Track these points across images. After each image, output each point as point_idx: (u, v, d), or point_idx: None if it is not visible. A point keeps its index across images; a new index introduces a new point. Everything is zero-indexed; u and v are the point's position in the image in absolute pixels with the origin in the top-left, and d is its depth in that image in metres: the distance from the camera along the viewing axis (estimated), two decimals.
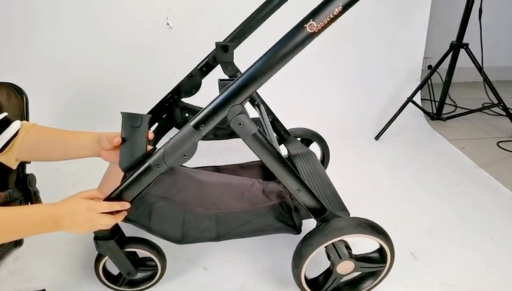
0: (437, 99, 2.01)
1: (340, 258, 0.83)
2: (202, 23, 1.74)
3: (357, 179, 1.51)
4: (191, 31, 1.76)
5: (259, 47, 1.06)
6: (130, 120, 0.72)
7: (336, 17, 0.61)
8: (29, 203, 1.14)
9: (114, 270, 0.94)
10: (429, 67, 2.49)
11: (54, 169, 1.52)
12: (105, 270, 0.94)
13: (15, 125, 0.79)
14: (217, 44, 0.99)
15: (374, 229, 0.82)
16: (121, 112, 0.72)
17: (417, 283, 1.01)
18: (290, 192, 0.79)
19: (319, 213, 0.83)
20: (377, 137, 1.83)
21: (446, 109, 2.07)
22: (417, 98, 1.98)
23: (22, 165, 1.07)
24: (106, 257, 0.90)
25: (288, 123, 1.29)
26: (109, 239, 0.84)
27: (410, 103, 1.84)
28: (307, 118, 1.70)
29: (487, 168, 1.58)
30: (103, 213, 0.73)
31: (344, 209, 0.90)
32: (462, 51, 1.75)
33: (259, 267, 1.05)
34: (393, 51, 2.02)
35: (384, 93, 2.05)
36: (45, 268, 1.05)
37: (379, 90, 2.05)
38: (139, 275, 0.96)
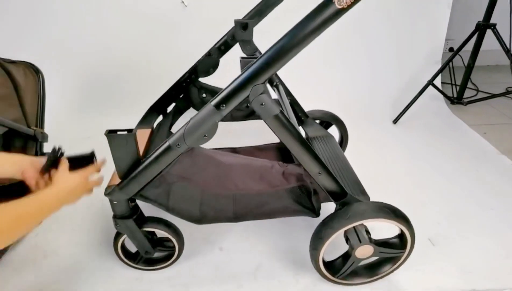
0: (457, 83, 1.94)
1: (360, 242, 0.83)
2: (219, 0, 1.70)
3: (374, 163, 1.48)
4: (207, 8, 1.72)
5: (279, 26, 1.04)
6: (116, 141, 0.72)
7: None
8: None
9: (132, 247, 0.95)
10: (450, 49, 2.41)
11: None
12: (123, 247, 0.96)
13: None
14: (236, 21, 0.97)
15: (395, 213, 0.81)
16: (106, 134, 0.71)
17: (435, 269, 1.00)
18: (311, 174, 0.78)
19: (339, 196, 0.82)
20: (395, 121, 1.80)
21: (467, 93, 2.01)
22: (437, 81, 1.92)
23: (40, 144, 1.08)
24: (124, 236, 0.91)
25: (306, 106, 1.27)
26: (127, 218, 0.85)
27: (429, 87, 1.79)
28: (323, 100, 1.66)
29: (510, 155, 1.54)
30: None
31: (364, 192, 0.89)
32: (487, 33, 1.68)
33: (274, 248, 1.06)
34: (414, 31, 1.95)
35: (403, 75, 1.99)
36: (64, 244, 1.08)
37: (398, 72, 1.99)
38: (156, 255, 0.98)
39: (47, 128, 1.09)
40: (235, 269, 1.00)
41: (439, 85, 1.95)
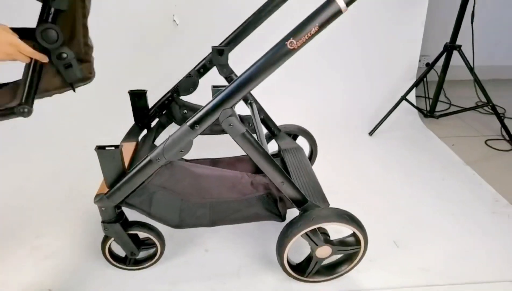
0: (432, 97, 2.11)
1: (316, 244, 0.97)
2: (208, 20, 1.84)
3: (349, 172, 1.64)
4: (197, 28, 1.85)
5: (252, 49, 1.18)
6: (104, 155, 0.88)
7: (313, 35, 0.73)
8: None
9: (121, 252, 1.09)
10: (427, 64, 2.58)
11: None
12: (112, 253, 1.09)
13: None
14: (213, 48, 1.12)
15: (349, 218, 0.96)
16: (95, 149, 0.86)
17: (398, 269, 1.15)
18: (275, 184, 0.93)
19: (301, 203, 0.97)
20: (371, 133, 1.95)
21: (441, 107, 2.18)
22: (412, 95, 2.09)
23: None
24: (111, 240, 1.04)
25: (284, 120, 1.43)
26: (115, 222, 0.99)
27: (405, 101, 1.95)
28: (303, 114, 1.82)
29: (474, 165, 1.70)
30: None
31: (324, 200, 1.04)
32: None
33: (255, 251, 1.20)
34: (390, 48, 2.12)
35: (380, 89, 2.16)
36: (64, 246, 1.20)
37: (376, 86, 2.16)
38: (142, 255, 1.11)
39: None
40: (220, 269, 1.14)
41: (414, 99, 2.12)
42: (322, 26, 0.73)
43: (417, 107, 2.05)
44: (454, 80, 2.33)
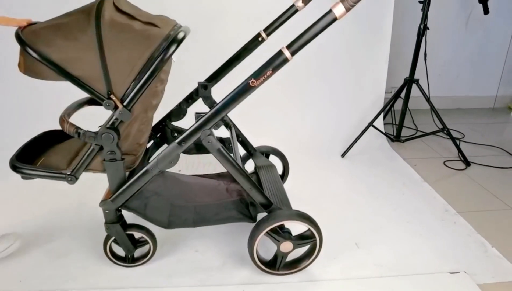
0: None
1: (278, 241, 1.22)
2: (196, 59, 2.16)
3: (320, 187, 1.92)
4: (186, 66, 2.17)
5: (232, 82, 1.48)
6: (111, 167, 1.12)
7: (268, 76, 1.03)
8: None
9: (121, 252, 1.33)
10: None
11: None
12: (113, 252, 1.32)
13: None
14: (199, 83, 1.42)
15: (304, 216, 1.22)
16: (103, 161, 1.10)
17: (357, 265, 1.40)
18: (246, 190, 1.19)
19: (266, 206, 1.23)
20: (343, 155, 2.24)
21: (409, 132, 2.49)
22: (380, 122, 2.41)
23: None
24: (111, 239, 1.28)
25: (268, 143, 1.72)
26: (115, 223, 1.24)
27: (372, 126, 2.26)
28: (283, 138, 2.11)
29: (431, 182, 1.98)
30: None
31: (288, 205, 1.30)
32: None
33: (237, 249, 1.44)
34: (360, 82, 2.48)
35: (353, 118, 2.48)
36: (73, 248, 1.44)
37: (349, 115, 2.49)
38: (138, 254, 1.35)
39: None
40: (207, 265, 1.37)
41: (382, 126, 2.43)
42: (274, 70, 1.03)
43: (384, 133, 2.35)
44: (422, 109, 2.64)
